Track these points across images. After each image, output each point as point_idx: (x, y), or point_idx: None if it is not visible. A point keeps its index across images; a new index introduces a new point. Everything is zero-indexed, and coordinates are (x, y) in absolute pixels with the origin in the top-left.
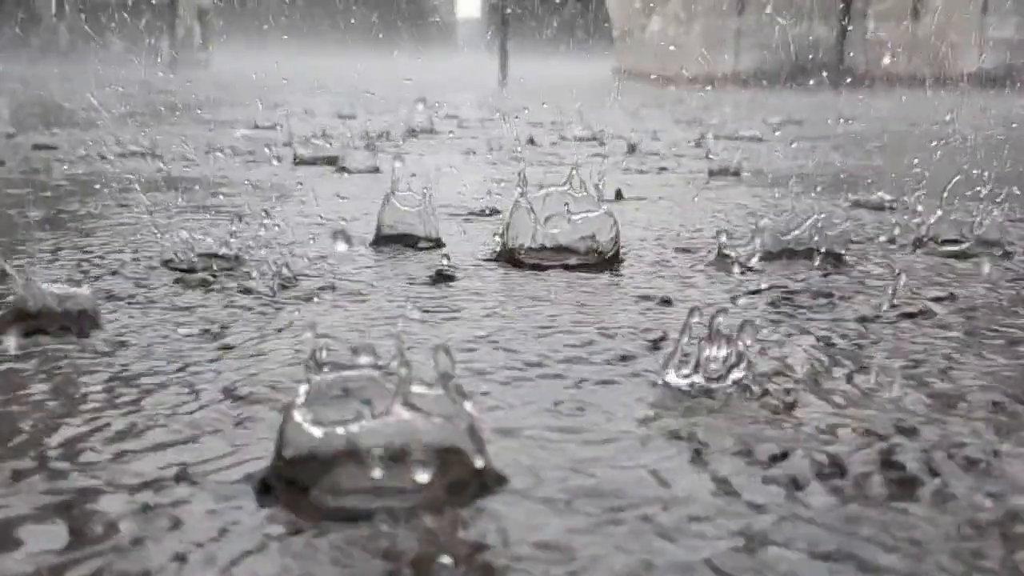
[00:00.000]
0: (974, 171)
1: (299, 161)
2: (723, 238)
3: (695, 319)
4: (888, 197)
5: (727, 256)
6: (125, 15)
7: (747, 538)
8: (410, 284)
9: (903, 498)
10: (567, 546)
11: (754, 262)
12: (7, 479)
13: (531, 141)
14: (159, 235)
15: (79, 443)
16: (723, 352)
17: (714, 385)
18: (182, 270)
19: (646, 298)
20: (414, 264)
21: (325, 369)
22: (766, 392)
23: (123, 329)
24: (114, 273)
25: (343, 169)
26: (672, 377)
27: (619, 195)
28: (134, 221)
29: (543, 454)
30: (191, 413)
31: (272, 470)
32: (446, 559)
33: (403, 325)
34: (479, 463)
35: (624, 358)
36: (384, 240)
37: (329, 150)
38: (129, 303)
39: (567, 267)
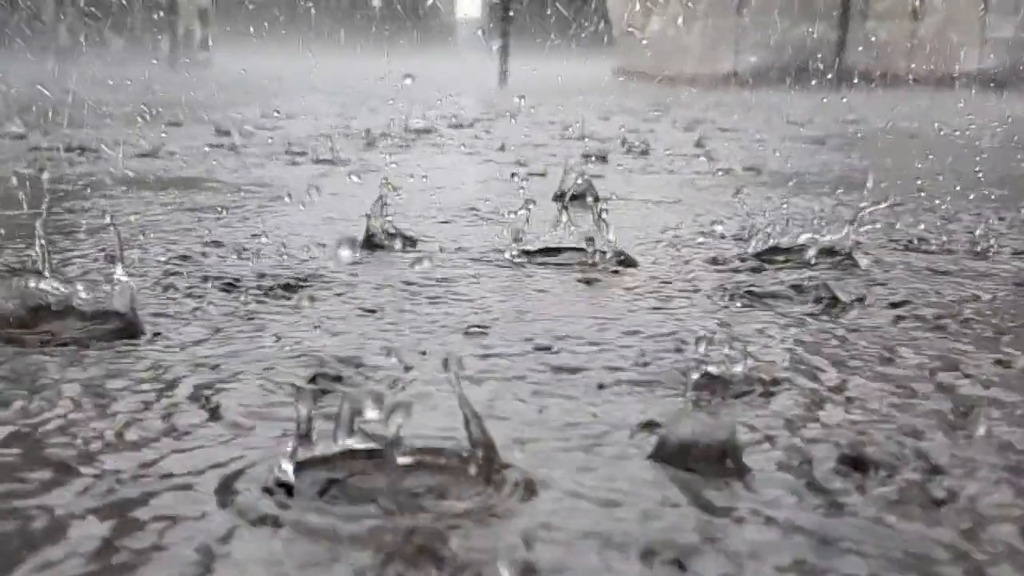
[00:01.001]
0: (975, 171)
1: (299, 161)
2: (720, 229)
3: (704, 348)
4: (896, 198)
5: (729, 258)
6: (125, 15)
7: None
8: (405, 286)
9: (934, 503)
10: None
11: (759, 263)
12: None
13: (531, 142)
14: (150, 238)
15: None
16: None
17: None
18: (175, 273)
19: (645, 301)
20: (408, 266)
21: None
22: (787, 397)
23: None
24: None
25: (342, 169)
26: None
27: (611, 199)
28: (136, 222)
29: (554, 458)
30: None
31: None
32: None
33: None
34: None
35: (633, 361)
36: (376, 243)
37: (330, 150)
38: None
39: (566, 270)
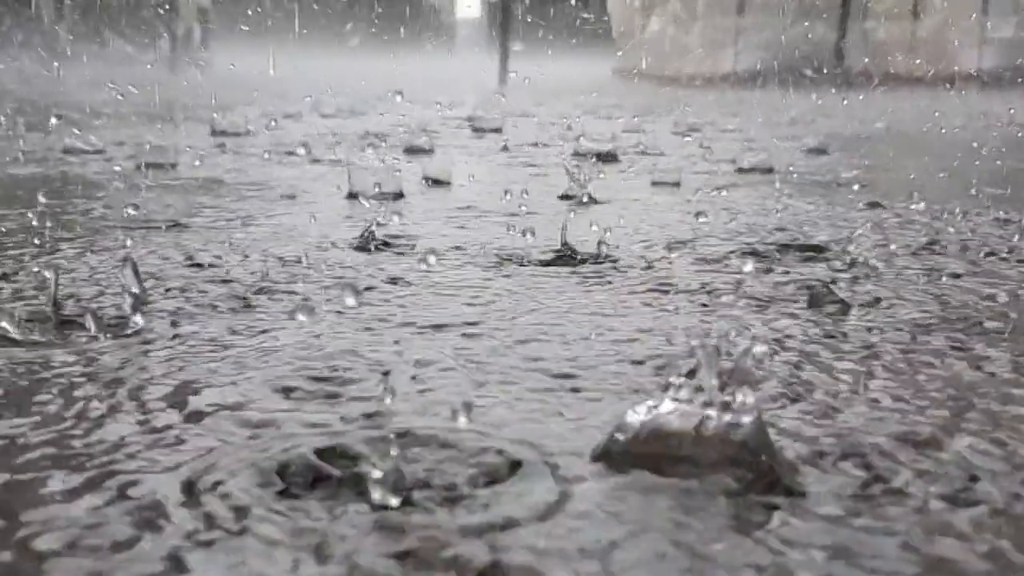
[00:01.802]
0: (978, 172)
1: (299, 162)
2: (721, 229)
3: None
4: (900, 199)
5: (731, 258)
6: (125, 15)
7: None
8: (403, 288)
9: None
10: None
11: (763, 264)
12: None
13: (532, 141)
14: (149, 239)
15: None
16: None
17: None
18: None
19: (647, 302)
20: (408, 267)
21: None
22: (789, 397)
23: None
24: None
25: (341, 169)
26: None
27: (600, 199)
28: (137, 223)
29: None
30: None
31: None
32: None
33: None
34: None
35: (633, 362)
36: (374, 246)
37: (329, 151)
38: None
39: (567, 272)
